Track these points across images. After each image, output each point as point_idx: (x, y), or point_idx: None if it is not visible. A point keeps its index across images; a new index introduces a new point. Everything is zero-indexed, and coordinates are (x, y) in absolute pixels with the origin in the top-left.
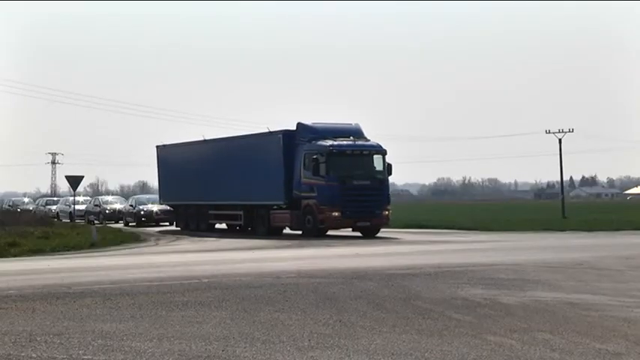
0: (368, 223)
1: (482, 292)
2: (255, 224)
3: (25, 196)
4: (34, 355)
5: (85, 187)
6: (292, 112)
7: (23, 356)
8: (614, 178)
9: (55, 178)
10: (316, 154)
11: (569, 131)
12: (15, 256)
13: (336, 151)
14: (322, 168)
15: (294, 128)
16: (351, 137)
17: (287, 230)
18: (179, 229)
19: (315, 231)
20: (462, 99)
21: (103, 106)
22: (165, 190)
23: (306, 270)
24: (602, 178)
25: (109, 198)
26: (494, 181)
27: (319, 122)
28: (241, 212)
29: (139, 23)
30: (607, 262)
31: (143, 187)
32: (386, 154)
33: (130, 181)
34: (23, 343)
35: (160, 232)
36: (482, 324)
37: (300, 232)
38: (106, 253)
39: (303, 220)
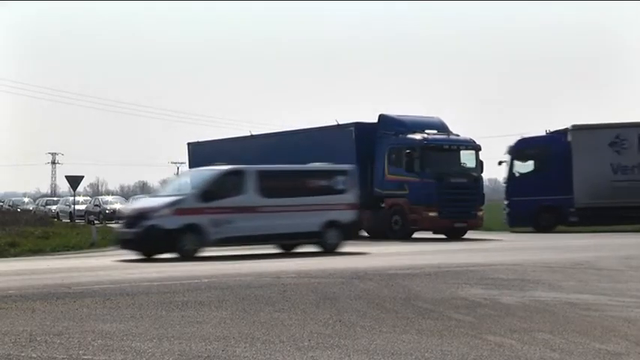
0: (464, 224)
1: (482, 292)
2: None
3: (25, 196)
4: (34, 355)
5: (85, 187)
6: (292, 113)
7: (23, 356)
8: None
9: (55, 178)
10: (408, 148)
11: None
12: (15, 256)
13: (433, 146)
14: (416, 164)
15: (369, 120)
16: (437, 131)
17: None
18: None
19: (403, 233)
20: (461, 99)
21: (103, 107)
22: None
23: (306, 270)
24: None
25: (109, 198)
26: (494, 181)
27: (403, 115)
28: None
29: (139, 23)
30: (607, 262)
31: (143, 187)
32: (480, 149)
33: (130, 181)
34: (23, 343)
35: None
36: (482, 324)
37: (367, 235)
38: (106, 253)
39: (388, 221)
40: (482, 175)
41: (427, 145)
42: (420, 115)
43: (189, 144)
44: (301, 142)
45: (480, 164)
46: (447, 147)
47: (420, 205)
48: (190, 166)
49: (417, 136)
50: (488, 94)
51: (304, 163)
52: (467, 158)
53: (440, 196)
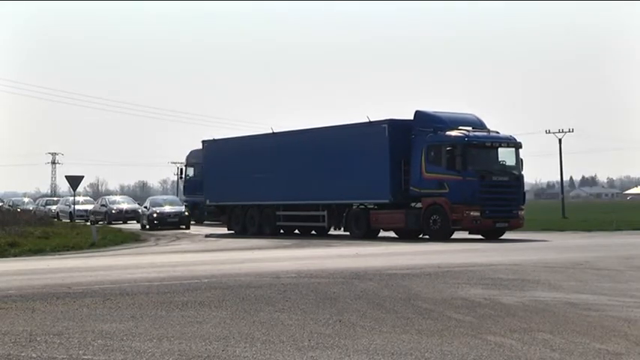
0: (506, 224)
1: (482, 292)
2: (348, 226)
3: (25, 196)
4: (34, 355)
5: (85, 187)
6: (289, 115)
7: (23, 356)
8: (614, 178)
9: (55, 178)
10: (449, 145)
11: (569, 131)
12: (15, 256)
13: (475, 143)
14: (458, 161)
15: (404, 117)
16: (473, 128)
17: (382, 233)
18: (232, 232)
19: (442, 233)
20: (461, 98)
21: (103, 106)
22: (214, 190)
23: (306, 270)
24: (602, 178)
25: (117, 198)
26: None
27: (440, 111)
28: (324, 213)
29: (140, 24)
30: (607, 262)
31: (143, 187)
32: (521, 147)
33: (130, 181)
34: (23, 343)
35: (208, 235)
36: (483, 324)
37: (396, 236)
38: (106, 253)
39: (427, 221)
40: (522, 173)
41: (469, 143)
42: (456, 112)
43: (204, 142)
44: (328, 140)
45: (520, 162)
46: (489, 144)
47: (461, 204)
48: (205, 166)
49: (458, 133)
50: (492, 93)
51: (331, 161)
52: (508, 156)
53: (483, 194)
